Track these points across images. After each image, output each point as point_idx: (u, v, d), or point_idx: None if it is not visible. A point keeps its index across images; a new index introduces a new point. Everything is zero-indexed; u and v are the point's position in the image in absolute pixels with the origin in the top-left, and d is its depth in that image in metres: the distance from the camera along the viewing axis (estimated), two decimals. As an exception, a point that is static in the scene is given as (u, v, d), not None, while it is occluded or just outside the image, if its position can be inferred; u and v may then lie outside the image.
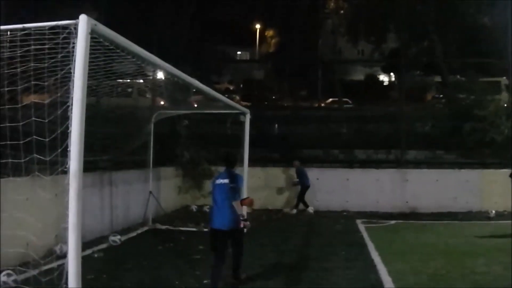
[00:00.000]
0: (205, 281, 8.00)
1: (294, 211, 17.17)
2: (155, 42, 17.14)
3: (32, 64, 4.87)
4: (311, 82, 25.83)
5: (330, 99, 28.62)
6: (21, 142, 5.10)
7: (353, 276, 8.58)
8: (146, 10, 20.65)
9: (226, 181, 7.55)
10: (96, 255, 10.08)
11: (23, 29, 4.52)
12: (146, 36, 17.29)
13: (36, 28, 4.48)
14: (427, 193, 17.08)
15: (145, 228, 13.57)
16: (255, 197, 15.47)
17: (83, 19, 4.16)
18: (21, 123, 5.14)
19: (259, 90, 31.74)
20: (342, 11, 32.27)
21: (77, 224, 4.04)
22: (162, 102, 16.24)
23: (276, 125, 22.49)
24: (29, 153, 5.17)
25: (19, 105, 5.43)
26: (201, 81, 8.39)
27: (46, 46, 4.63)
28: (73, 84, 4.14)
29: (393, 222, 15.18)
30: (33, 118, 4.99)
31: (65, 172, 4.14)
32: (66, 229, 4.07)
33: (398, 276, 8.41)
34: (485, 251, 10.40)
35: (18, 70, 4.96)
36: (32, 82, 5.05)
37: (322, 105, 26.76)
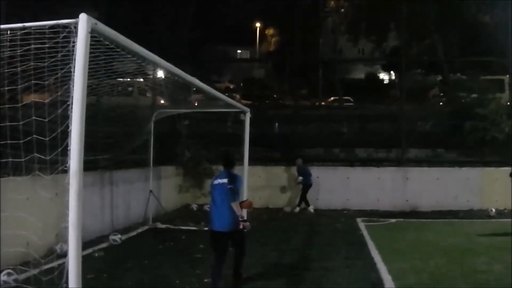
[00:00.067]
0: (205, 280, 8.01)
1: (297, 209, 17.15)
2: (155, 41, 17.14)
3: (32, 63, 4.86)
4: (311, 80, 25.82)
5: (332, 98, 28.61)
6: (21, 141, 5.10)
7: (354, 275, 8.58)
8: (146, 9, 20.64)
9: (224, 181, 7.50)
10: (96, 254, 10.09)
11: (23, 28, 4.51)
12: (146, 36, 17.28)
13: (36, 27, 4.47)
14: (428, 192, 17.08)
15: (146, 227, 13.57)
16: (255, 196, 15.67)
17: (83, 18, 4.16)
18: (21, 122, 5.14)
19: (260, 89, 31.77)
20: (342, 10, 32.25)
21: (77, 223, 4.03)
22: (162, 101, 16.24)
23: (277, 124, 22.49)
24: (29, 152, 5.17)
25: (20, 105, 5.43)
26: (201, 80, 8.38)
27: (46, 45, 4.62)
28: (73, 83, 4.14)
29: (393, 220, 15.19)
30: (34, 117, 5.00)
31: (66, 171, 4.14)
32: (66, 228, 4.06)
33: (399, 274, 8.41)
34: (486, 250, 10.39)
35: (18, 69, 4.96)
36: (32, 81, 5.05)
37: (323, 103, 26.73)
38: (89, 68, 4.25)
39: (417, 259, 9.71)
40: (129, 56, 5.48)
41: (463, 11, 24.02)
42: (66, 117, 4.18)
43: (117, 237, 11.37)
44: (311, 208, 17.06)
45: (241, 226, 7.49)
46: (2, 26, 4.55)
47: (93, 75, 6.33)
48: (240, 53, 42.71)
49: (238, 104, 12.46)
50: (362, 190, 17.55)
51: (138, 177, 14.39)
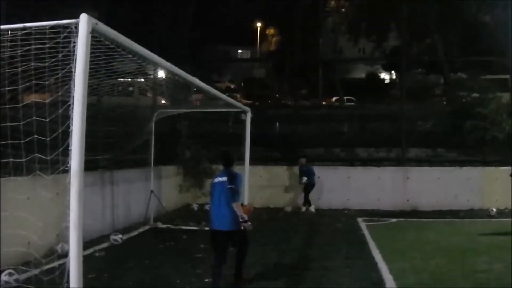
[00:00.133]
0: (206, 280, 8.02)
1: (304, 208, 17.15)
2: (155, 41, 17.14)
3: (33, 64, 4.86)
4: (311, 80, 25.84)
5: (335, 98, 28.65)
6: (22, 141, 5.11)
7: (354, 274, 8.57)
8: (146, 9, 20.64)
9: (224, 179, 7.48)
10: (97, 254, 10.10)
11: (24, 28, 4.51)
12: (146, 36, 17.29)
13: (36, 28, 4.47)
14: (428, 191, 17.08)
15: (146, 227, 13.58)
16: (256, 196, 15.69)
17: (83, 18, 4.16)
18: (22, 123, 5.14)
19: (260, 89, 31.79)
20: (343, 10, 32.27)
21: (78, 223, 4.04)
22: (163, 101, 16.25)
23: (277, 123, 22.50)
24: (30, 152, 5.17)
25: (20, 105, 5.43)
26: (202, 80, 8.38)
27: (47, 46, 4.62)
28: (74, 83, 4.14)
29: (394, 220, 15.19)
30: (34, 118, 5.00)
31: (66, 171, 4.14)
32: (67, 228, 4.07)
33: (399, 274, 8.41)
34: (487, 249, 10.40)
35: (19, 69, 4.96)
36: (33, 82, 5.05)
37: (323, 103, 26.75)
38: (89, 68, 4.25)
39: (417, 258, 9.71)
40: (129, 56, 5.49)
41: (463, 10, 24.04)
42: (67, 117, 4.18)
43: (118, 237, 11.38)
44: (312, 208, 17.06)
45: (241, 227, 7.46)
46: (3, 27, 4.55)
47: (94, 75, 6.33)
48: (240, 53, 42.73)
49: (239, 104, 12.47)
50: (362, 189, 17.55)
51: (138, 177, 14.40)
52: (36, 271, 6.48)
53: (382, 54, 31.76)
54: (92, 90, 7.26)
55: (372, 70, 35.16)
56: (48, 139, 4.75)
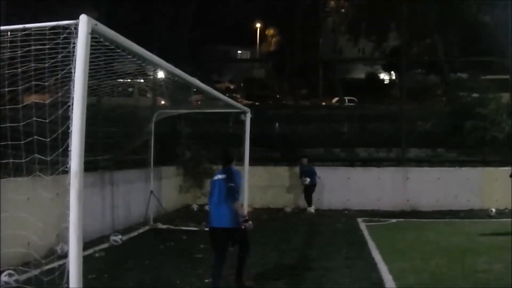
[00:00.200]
0: (206, 280, 8.02)
1: (309, 209, 17.11)
2: (155, 42, 17.16)
3: (33, 64, 4.86)
4: (312, 80, 25.87)
5: (336, 98, 28.68)
6: (22, 142, 5.11)
7: (354, 275, 8.57)
8: (146, 9, 20.65)
9: (223, 176, 7.43)
10: (97, 255, 10.10)
11: (24, 29, 4.51)
12: (146, 36, 17.31)
13: (36, 28, 4.47)
14: (428, 192, 17.08)
15: (146, 228, 13.58)
16: (256, 196, 15.69)
17: (83, 19, 4.15)
18: (22, 123, 5.15)
19: (260, 89, 31.81)
20: (343, 10, 32.30)
21: (78, 223, 4.04)
22: (162, 102, 16.25)
23: (278, 124, 22.51)
24: (30, 153, 5.17)
25: (20, 105, 5.44)
26: (201, 81, 8.38)
27: (47, 46, 4.62)
28: (74, 84, 4.14)
29: (394, 220, 15.20)
30: (34, 118, 4.99)
31: (66, 172, 4.13)
32: (67, 228, 4.07)
33: (399, 274, 8.41)
34: (487, 249, 10.40)
35: (19, 70, 4.97)
36: (33, 82, 5.05)
37: (323, 103, 26.79)
38: (89, 69, 4.25)
39: (417, 259, 9.71)
40: (129, 56, 5.49)
41: (463, 11, 24.05)
42: (66, 118, 4.18)
43: (118, 238, 11.38)
44: (312, 208, 17.05)
45: (242, 227, 7.43)
46: (3, 28, 4.55)
47: (94, 76, 6.33)
48: (240, 53, 42.74)
49: (238, 105, 12.47)
50: (362, 190, 17.54)
51: (138, 177, 14.41)
52: (36, 272, 6.48)
53: (382, 54, 31.79)
54: (92, 90, 7.25)
55: (372, 70, 35.20)
56: (48, 139, 4.75)
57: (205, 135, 18.36)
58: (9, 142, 5.26)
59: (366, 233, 12.94)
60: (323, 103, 26.72)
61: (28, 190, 8.37)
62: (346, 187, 17.78)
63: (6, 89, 5.29)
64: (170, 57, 6.74)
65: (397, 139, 19.22)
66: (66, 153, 4.16)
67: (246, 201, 11.07)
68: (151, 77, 9.17)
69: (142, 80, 10.15)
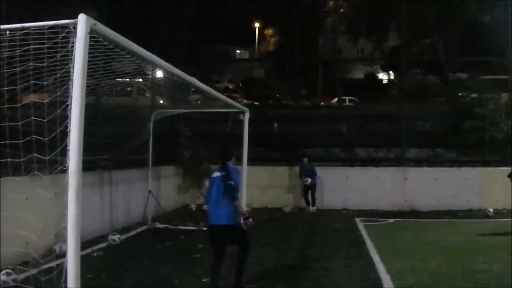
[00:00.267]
0: (204, 280, 8.01)
1: (313, 209, 17.09)
2: (155, 42, 17.16)
3: (32, 64, 4.87)
4: (311, 80, 25.87)
5: (335, 99, 28.67)
6: (21, 141, 5.11)
7: (352, 275, 8.57)
8: (146, 9, 20.65)
9: (222, 174, 7.35)
10: (95, 254, 10.10)
11: (22, 28, 4.51)
12: (146, 35, 17.32)
13: (35, 28, 4.47)
14: (427, 192, 17.09)
15: (145, 227, 13.58)
16: (255, 196, 15.67)
17: (82, 19, 4.16)
18: (20, 123, 5.15)
19: (260, 89, 31.80)
20: (342, 10, 32.27)
21: (76, 223, 4.04)
22: (161, 101, 16.25)
23: (277, 123, 22.48)
24: (28, 152, 5.18)
25: (19, 105, 5.44)
26: (201, 80, 8.38)
27: (46, 46, 4.63)
28: (72, 83, 4.14)
29: (392, 220, 15.21)
30: (33, 118, 5.00)
31: (65, 171, 4.14)
32: (65, 228, 4.07)
33: (398, 274, 8.41)
34: (485, 249, 10.41)
35: (18, 69, 4.96)
36: (32, 82, 5.05)
37: (322, 103, 26.79)
38: (88, 68, 4.25)
39: (416, 259, 9.71)
40: (128, 56, 5.49)
41: (463, 11, 24.05)
42: (65, 117, 4.18)
43: (116, 237, 11.37)
44: (310, 208, 17.06)
45: (244, 225, 7.40)
46: (2, 27, 4.55)
47: (92, 75, 6.33)
48: (239, 53, 42.73)
49: (237, 104, 12.48)
50: (361, 190, 17.55)
51: (137, 177, 14.40)
52: (34, 271, 6.48)
53: (381, 54, 31.78)
54: (90, 90, 7.26)
55: (372, 70, 35.21)
56: (46, 139, 4.76)
57: (204, 134, 18.35)
58: (8, 141, 5.26)
59: (364, 233, 12.95)
60: (323, 103, 26.69)
61: (27, 189, 8.36)
62: (345, 187, 17.79)
63: (5, 88, 5.29)
64: (170, 57, 6.74)
65: (396, 139, 19.22)
66: (64, 152, 4.16)
67: (245, 201, 11.07)
68: (150, 76, 9.17)
69: (141, 80, 10.15)
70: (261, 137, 18.48)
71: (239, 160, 10.82)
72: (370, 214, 16.33)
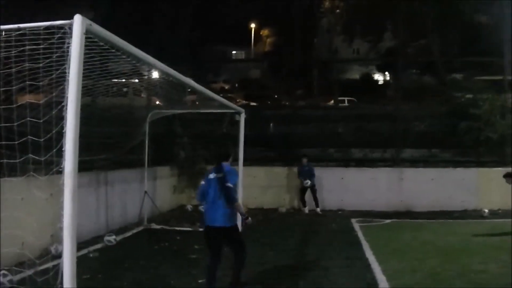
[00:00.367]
0: (200, 281, 8.01)
1: (318, 210, 17.08)
2: (154, 42, 17.18)
3: (27, 64, 4.86)
4: (309, 81, 25.93)
5: (334, 100, 28.69)
6: (16, 142, 5.10)
7: (348, 275, 8.58)
8: (145, 10, 20.67)
9: (218, 175, 7.27)
10: (91, 255, 10.08)
11: (18, 29, 4.51)
12: (145, 37, 17.34)
13: (31, 28, 4.46)
14: (423, 192, 17.11)
15: (141, 228, 13.57)
16: (251, 196, 15.66)
17: (78, 19, 4.15)
18: (16, 123, 5.13)
19: (257, 89, 31.83)
20: (338, 10, 32.32)
21: (72, 224, 4.04)
22: (157, 102, 16.23)
23: (274, 124, 22.48)
24: (24, 153, 5.16)
25: (14, 105, 5.42)
26: (198, 81, 8.38)
27: (41, 46, 4.62)
28: (68, 84, 4.14)
29: (388, 221, 15.22)
30: (28, 118, 4.99)
31: (61, 172, 4.14)
32: (61, 229, 4.07)
33: (393, 275, 8.43)
34: (481, 250, 10.44)
35: (13, 70, 4.95)
36: (27, 82, 5.04)
37: (323, 104, 26.86)
38: (84, 69, 4.25)
39: (412, 259, 9.73)
40: (124, 56, 5.48)
41: (459, 11, 24.11)
42: (61, 118, 4.18)
43: (112, 238, 11.36)
44: (306, 210, 17.07)
45: (244, 223, 7.35)
46: (-2, 27, 4.55)
47: (88, 76, 6.32)
48: (235, 53, 42.78)
49: (233, 105, 12.48)
50: (357, 190, 17.57)
51: (133, 177, 14.39)
52: (30, 272, 6.47)
53: (377, 54, 31.87)
54: (86, 91, 7.25)
55: (368, 70, 35.30)
56: (42, 140, 4.75)
57: (200, 135, 18.33)
58: (3, 142, 5.25)
59: (360, 233, 12.96)
60: (321, 103, 26.74)
61: (23, 190, 8.34)
62: (341, 187, 17.80)
63: (1, 89, 5.28)
64: (169, 57, 6.75)
65: (392, 139, 19.25)
66: (60, 153, 4.16)
67: (241, 202, 11.06)
68: (146, 77, 9.16)
69: (137, 80, 10.14)
70: (260, 137, 18.50)
71: (235, 160, 10.83)
72: (366, 215, 16.33)
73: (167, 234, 12.89)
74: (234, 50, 42.14)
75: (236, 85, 34.26)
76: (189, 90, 9.93)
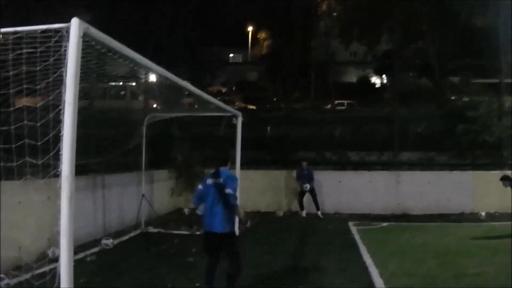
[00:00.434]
0: (197, 285, 8.00)
1: (319, 213, 16.98)
2: (150, 44, 17.18)
3: (24, 68, 4.85)
4: (305, 84, 25.97)
5: (336, 101, 28.75)
6: (14, 145, 5.09)
7: (345, 278, 8.59)
8: (144, 11, 20.68)
9: (216, 181, 7.19)
10: (88, 259, 10.06)
11: (15, 32, 4.50)
12: (144, 39, 17.35)
13: (28, 32, 4.46)
14: (420, 195, 17.12)
15: (138, 231, 13.55)
16: (247, 199, 15.63)
17: (75, 23, 4.14)
18: (13, 127, 5.13)
19: (255, 92, 31.89)
20: (335, 13, 32.41)
21: (69, 227, 4.03)
22: (154, 105, 16.25)
23: (271, 127, 22.49)
24: (21, 156, 5.16)
25: (11, 109, 5.41)
26: (195, 84, 8.39)
27: (38, 50, 4.61)
28: (65, 87, 4.14)
29: (385, 224, 15.21)
30: (25, 122, 4.98)
31: (58, 175, 4.13)
32: (58, 232, 4.06)
33: (390, 278, 8.43)
34: (478, 252, 10.45)
35: (10, 73, 4.95)
36: (24, 86, 5.03)
37: (319, 106, 26.90)
38: (81, 72, 4.25)
39: (408, 262, 9.74)
40: (121, 60, 5.48)
41: (455, 14, 24.18)
42: (58, 121, 4.17)
43: (109, 241, 11.35)
44: (303, 213, 17.05)
45: (244, 228, 7.32)
46: (-6, 30, 4.55)
47: (85, 79, 6.32)
48: (232, 56, 42.86)
49: (230, 108, 12.48)
50: (354, 193, 17.56)
51: (130, 180, 14.37)
52: (27, 276, 6.46)
53: (374, 57, 31.95)
54: (83, 94, 7.24)
55: (364, 73, 35.38)
56: (39, 143, 4.74)
57: (197, 138, 18.33)
58: (1, 146, 5.24)
59: (357, 236, 12.96)
60: (319, 106, 26.79)
61: (20, 193, 8.34)
62: (338, 190, 17.78)
63: (-2, 92, 5.28)
64: (166, 60, 6.75)
65: (389, 142, 19.26)
66: (57, 156, 4.15)
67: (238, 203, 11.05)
68: (143, 80, 9.16)
69: (134, 83, 10.15)
70: (255, 140, 18.49)
71: (232, 163, 10.83)
72: (363, 218, 16.32)
73: (164, 237, 12.87)
74: (232, 53, 42.22)
75: (234, 88, 34.30)
76: (186, 93, 9.94)
